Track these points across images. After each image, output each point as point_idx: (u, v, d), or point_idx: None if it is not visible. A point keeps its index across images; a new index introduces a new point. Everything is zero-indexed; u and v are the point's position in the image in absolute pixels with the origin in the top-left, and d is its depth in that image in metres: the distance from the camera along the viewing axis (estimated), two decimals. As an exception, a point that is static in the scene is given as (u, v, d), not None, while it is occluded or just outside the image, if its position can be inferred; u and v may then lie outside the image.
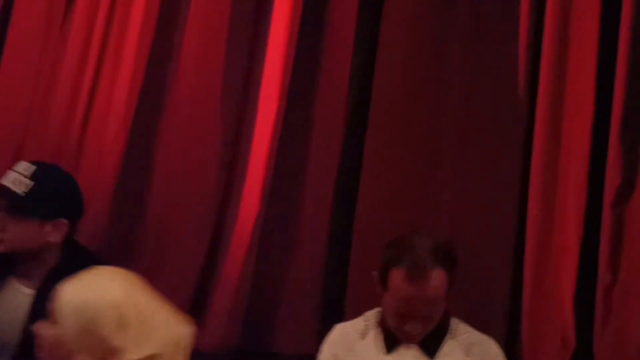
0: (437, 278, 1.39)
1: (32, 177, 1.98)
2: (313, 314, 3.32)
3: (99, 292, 1.41)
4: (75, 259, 1.99)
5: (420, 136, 3.36)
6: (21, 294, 2.05)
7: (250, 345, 3.38)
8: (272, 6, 3.58)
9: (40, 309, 1.68)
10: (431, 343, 1.47)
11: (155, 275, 3.39)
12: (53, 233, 2.02)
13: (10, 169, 2.05)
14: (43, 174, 2.01)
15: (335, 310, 3.22)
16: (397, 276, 1.40)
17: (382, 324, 1.50)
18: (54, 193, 2.02)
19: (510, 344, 3.13)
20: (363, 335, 1.55)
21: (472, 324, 1.63)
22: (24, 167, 2.01)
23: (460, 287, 3.06)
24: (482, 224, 3.24)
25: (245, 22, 3.61)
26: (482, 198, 3.26)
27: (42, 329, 1.43)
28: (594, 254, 3.04)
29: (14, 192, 1.94)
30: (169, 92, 3.61)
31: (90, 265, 1.68)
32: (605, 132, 3.07)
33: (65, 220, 2.04)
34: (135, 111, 3.57)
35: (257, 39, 3.62)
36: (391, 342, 1.49)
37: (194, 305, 3.41)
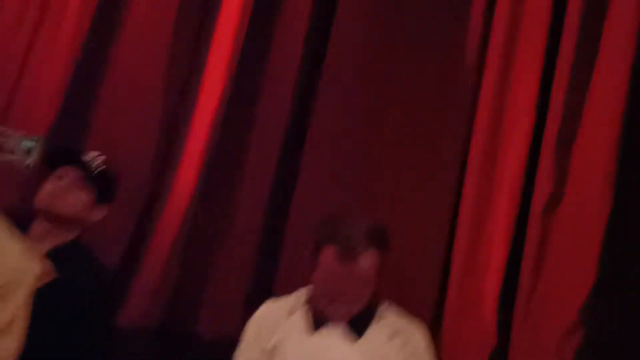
0: (368, 259, 1.39)
1: (104, 163, 2.42)
2: (240, 298, 3.29)
3: None
4: (81, 246, 2.36)
5: (362, 137, 3.40)
6: None
7: (174, 325, 3.32)
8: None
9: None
10: (357, 325, 1.46)
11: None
12: (96, 213, 2.39)
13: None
14: (109, 165, 2.45)
15: (263, 296, 3.19)
16: (328, 254, 1.40)
17: (311, 303, 1.49)
18: (113, 184, 2.44)
19: (431, 337, 3.20)
20: (290, 313, 1.53)
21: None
22: (96, 154, 2.43)
23: (388, 279, 3.23)
24: (416, 222, 3.30)
25: (194, 5, 3.54)
26: (418, 198, 3.32)
27: None
28: (519, 258, 3.13)
29: (90, 165, 2.35)
30: (109, 67, 3.51)
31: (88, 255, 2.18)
32: (540, 143, 3.16)
33: (105, 208, 2.41)
34: (74, 71, 3.45)
35: (206, 23, 3.56)
36: (318, 321, 1.48)
37: (120, 276, 3.33)
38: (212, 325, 3.25)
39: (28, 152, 2.34)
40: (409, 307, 2.97)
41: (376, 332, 1.48)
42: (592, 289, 3.01)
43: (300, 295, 1.55)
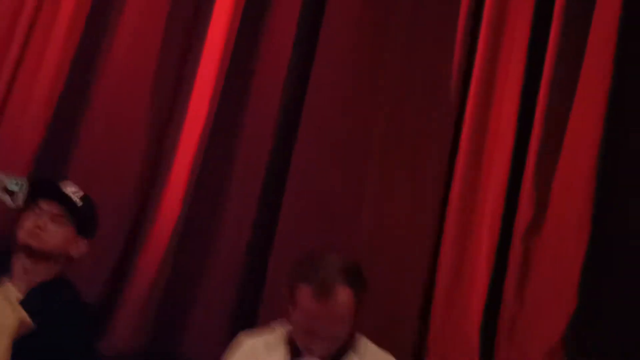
0: (344, 296, 1.41)
1: (84, 197, 2.43)
2: (226, 321, 3.30)
3: None
4: (64, 281, 2.38)
5: (348, 148, 3.41)
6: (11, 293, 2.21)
7: (159, 350, 3.33)
8: (212, 6, 3.55)
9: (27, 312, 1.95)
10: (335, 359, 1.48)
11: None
12: (78, 248, 2.42)
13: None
14: (90, 199, 2.47)
15: (248, 319, 3.21)
16: (304, 293, 1.42)
17: (290, 340, 1.50)
18: (94, 218, 2.47)
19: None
20: (270, 350, 1.54)
21: (382, 340, 1.66)
22: (75, 187, 2.44)
23: (371, 303, 3.24)
24: (401, 244, 3.32)
25: (182, 20, 3.56)
26: (403, 219, 3.34)
27: None
28: (502, 283, 3.15)
29: (72, 200, 2.36)
30: (96, 84, 3.53)
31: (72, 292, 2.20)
32: (522, 166, 3.18)
33: (87, 242, 2.44)
34: (58, 103, 3.47)
35: (194, 39, 3.58)
36: (298, 358, 1.49)
37: (104, 304, 3.34)
38: (197, 349, 3.26)
39: (12, 194, 2.35)
40: (392, 337, 3.03)
41: (354, 365, 1.50)
42: (574, 313, 3.02)
43: (278, 332, 1.56)
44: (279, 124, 3.45)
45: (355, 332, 1.52)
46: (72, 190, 2.41)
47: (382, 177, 3.37)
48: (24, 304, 2.06)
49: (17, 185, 2.30)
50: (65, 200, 2.36)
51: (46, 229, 2.30)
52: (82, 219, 2.40)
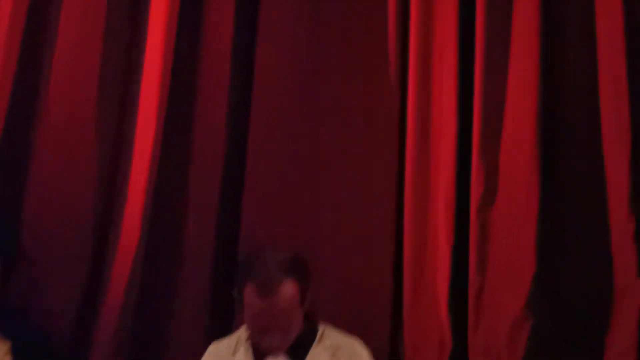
0: (287, 290, 1.46)
1: None
2: (201, 333, 3.32)
3: None
4: None
5: (300, 144, 3.48)
6: None
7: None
8: (148, 13, 3.56)
9: None
10: (298, 350, 1.53)
11: (32, 306, 3.28)
12: None
13: None
14: None
15: (223, 328, 3.23)
16: (249, 292, 1.47)
17: (251, 339, 1.55)
18: None
19: (393, 347, 3.32)
20: (235, 351, 1.59)
21: (356, 328, 1.70)
22: None
23: (343, 291, 3.35)
24: (362, 234, 3.41)
25: (122, 18, 3.56)
26: (360, 210, 3.43)
27: None
28: (465, 258, 3.25)
29: None
30: (41, 112, 3.50)
31: None
32: (469, 144, 3.30)
33: None
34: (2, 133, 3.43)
35: (135, 38, 3.58)
36: (259, 356, 1.54)
37: (76, 335, 3.31)
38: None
39: None
40: (366, 324, 3.11)
41: (317, 353, 1.56)
42: (533, 279, 3.15)
43: (241, 333, 1.60)
44: (229, 120, 3.48)
45: (316, 321, 1.56)
46: None
47: (334, 168, 3.45)
48: None
49: None
50: None
51: None
52: None
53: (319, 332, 1.57)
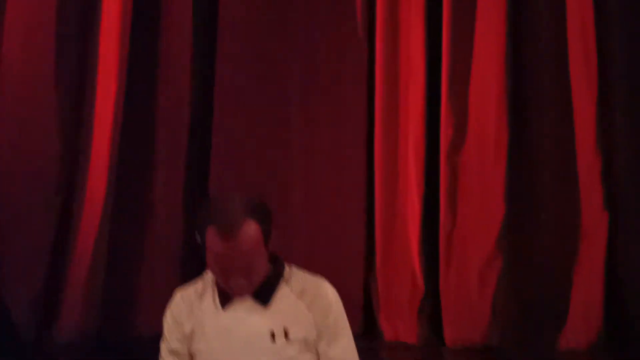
0: (248, 230, 1.44)
1: None
2: (174, 284, 3.30)
3: None
4: None
5: (269, 88, 3.44)
6: None
7: (111, 332, 3.32)
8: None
9: None
10: (264, 292, 1.54)
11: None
12: None
13: None
14: None
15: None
16: (210, 234, 1.45)
17: (216, 283, 1.55)
18: None
19: (367, 294, 3.37)
20: (201, 296, 1.59)
21: (330, 274, 1.71)
22: None
23: (315, 239, 3.39)
24: (334, 180, 3.42)
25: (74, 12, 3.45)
26: (330, 157, 3.43)
27: None
28: (435, 203, 3.29)
29: None
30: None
31: None
32: (438, 89, 3.30)
33: None
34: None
35: (89, 28, 3.48)
36: (226, 299, 1.54)
37: (46, 296, 3.30)
38: (149, 324, 3.26)
39: None
40: (341, 272, 3.14)
41: (284, 294, 1.56)
42: (503, 220, 3.20)
43: (207, 278, 1.61)
44: (195, 63, 3.42)
45: (282, 263, 1.57)
46: None
47: (304, 114, 3.43)
48: None
49: None
50: None
51: None
52: None
53: (285, 273, 1.57)
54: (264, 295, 1.54)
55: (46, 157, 3.37)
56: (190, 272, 3.28)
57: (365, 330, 3.30)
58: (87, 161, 3.34)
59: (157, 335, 1.64)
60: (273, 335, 1.50)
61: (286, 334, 1.51)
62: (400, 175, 3.36)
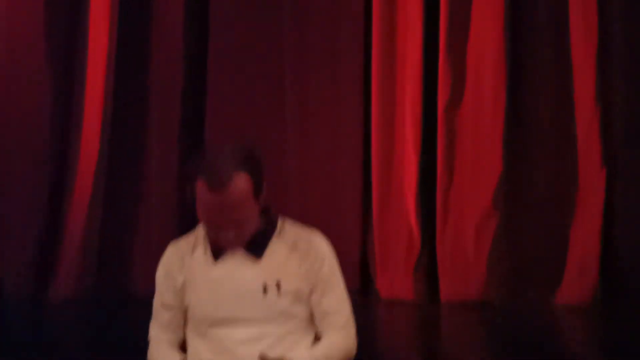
0: (238, 182, 1.41)
1: None
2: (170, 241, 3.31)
3: None
4: None
5: (262, 64, 3.40)
6: None
7: (106, 289, 3.33)
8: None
9: None
10: (256, 244, 1.52)
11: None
12: None
13: None
14: None
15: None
16: (200, 186, 1.42)
17: (208, 236, 1.53)
18: None
19: (363, 249, 3.37)
20: (193, 249, 1.57)
21: (326, 231, 1.70)
22: None
23: (312, 194, 3.37)
24: (331, 136, 3.38)
25: None
26: (328, 113, 3.39)
27: None
28: (433, 159, 3.26)
29: None
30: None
31: None
32: (436, 45, 3.24)
33: None
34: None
35: None
36: (217, 251, 1.53)
37: (41, 256, 3.30)
38: (144, 279, 3.26)
39: None
40: (338, 227, 3.14)
41: (277, 247, 1.54)
42: (500, 176, 3.18)
43: (199, 232, 1.58)
44: (187, 45, 3.38)
45: (274, 215, 1.54)
46: None
47: (300, 66, 3.38)
48: None
49: None
50: None
51: None
52: None
53: (278, 226, 1.55)
54: (256, 248, 1.53)
55: (39, 115, 3.33)
56: (186, 228, 3.28)
57: (362, 287, 3.31)
58: (80, 118, 3.31)
59: (152, 292, 1.63)
60: (265, 288, 1.49)
61: (278, 287, 1.49)
62: (397, 132, 3.33)
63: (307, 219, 1.71)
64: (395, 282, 3.26)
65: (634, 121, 3.12)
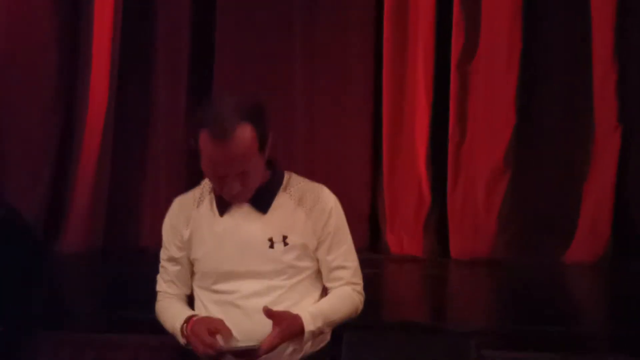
0: (242, 133, 1.37)
1: None
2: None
3: None
4: None
5: (272, 17, 3.34)
6: None
7: (114, 243, 3.34)
8: None
9: None
10: (262, 199, 1.49)
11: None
12: None
13: None
14: None
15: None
16: (203, 137, 1.39)
17: (214, 189, 1.50)
18: None
19: (374, 203, 3.34)
20: (199, 203, 1.55)
21: (336, 185, 1.68)
22: None
23: (321, 148, 3.33)
24: (340, 86, 3.32)
25: None
26: (338, 65, 3.32)
27: None
28: (444, 116, 3.20)
29: None
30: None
31: None
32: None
33: None
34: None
35: None
36: (223, 205, 1.50)
37: (50, 210, 3.30)
38: (152, 234, 3.27)
39: None
40: (347, 182, 3.11)
41: (283, 201, 1.51)
42: (513, 131, 3.12)
43: (204, 185, 1.56)
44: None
45: (281, 169, 1.51)
46: None
47: (311, 34, 3.32)
48: None
49: None
50: None
51: None
52: None
53: (284, 181, 1.51)
54: (261, 202, 1.50)
55: (47, 65, 3.30)
56: (194, 182, 3.27)
57: (371, 243, 3.30)
58: (88, 69, 3.28)
59: (160, 246, 1.62)
60: (271, 242, 1.47)
61: (284, 241, 1.47)
62: (409, 87, 3.27)
63: (315, 175, 1.68)
64: (405, 238, 3.25)
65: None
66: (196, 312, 1.54)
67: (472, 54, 3.17)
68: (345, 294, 1.53)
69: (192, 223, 1.55)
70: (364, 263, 1.58)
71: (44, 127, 3.30)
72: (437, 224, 3.23)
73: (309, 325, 1.44)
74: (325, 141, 3.33)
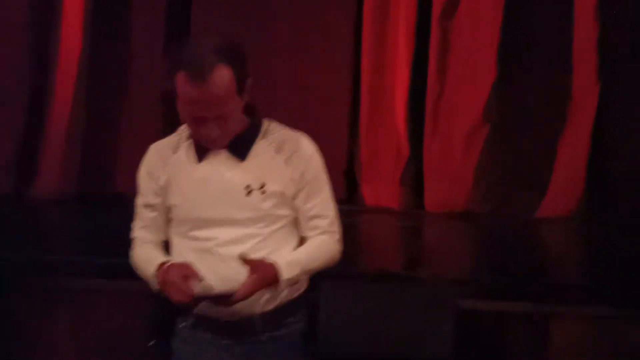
0: (220, 75, 1.33)
1: None
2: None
3: None
4: None
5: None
6: None
7: (90, 188, 3.30)
8: None
9: None
10: (241, 145, 1.46)
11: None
12: None
13: None
14: None
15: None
16: (180, 79, 1.35)
17: (192, 135, 1.47)
18: None
19: (351, 154, 3.34)
20: (175, 149, 1.52)
21: (314, 135, 1.66)
22: None
23: (299, 96, 3.30)
24: (320, 37, 3.28)
25: None
26: (317, 14, 3.26)
27: None
28: (425, 70, 3.18)
29: None
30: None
31: None
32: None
33: None
34: None
35: None
36: (201, 151, 1.47)
37: (24, 155, 3.24)
38: (128, 179, 3.23)
39: None
40: (325, 132, 3.08)
41: (262, 148, 1.49)
42: (493, 86, 3.12)
43: (181, 131, 1.53)
44: None
45: (260, 116, 1.48)
46: None
47: None
48: None
49: None
50: None
51: None
52: None
53: (263, 127, 1.49)
54: (240, 148, 1.48)
55: (19, 17, 3.18)
56: (172, 128, 3.22)
57: (348, 195, 3.31)
58: (60, 10, 3.17)
59: (136, 192, 1.60)
60: (249, 189, 1.45)
61: (262, 189, 1.46)
62: (390, 40, 3.25)
63: (293, 124, 1.66)
64: (381, 190, 3.27)
65: (633, 37, 3.03)
66: (173, 258, 1.52)
67: (454, 9, 3.14)
68: (323, 243, 1.53)
69: (168, 169, 1.53)
70: (340, 214, 1.57)
71: (16, 72, 3.22)
72: (414, 176, 3.25)
73: (285, 274, 1.44)
74: (305, 92, 3.30)
